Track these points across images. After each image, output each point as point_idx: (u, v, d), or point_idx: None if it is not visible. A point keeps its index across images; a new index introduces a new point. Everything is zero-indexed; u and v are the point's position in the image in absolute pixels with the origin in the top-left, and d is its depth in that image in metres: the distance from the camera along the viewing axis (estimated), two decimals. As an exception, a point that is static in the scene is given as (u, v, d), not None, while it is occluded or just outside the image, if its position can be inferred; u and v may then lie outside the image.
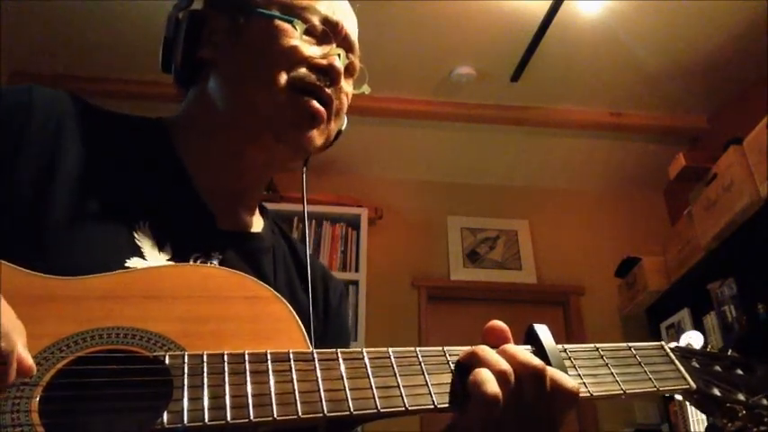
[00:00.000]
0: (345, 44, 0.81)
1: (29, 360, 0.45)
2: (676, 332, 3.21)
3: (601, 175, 4.05)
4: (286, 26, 0.76)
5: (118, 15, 2.92)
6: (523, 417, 0.56)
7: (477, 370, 0.56)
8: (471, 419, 0.56)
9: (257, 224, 0.85)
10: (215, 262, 0.73)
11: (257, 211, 0.87)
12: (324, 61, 0.76)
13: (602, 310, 3.69)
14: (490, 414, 0.54)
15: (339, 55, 0.78)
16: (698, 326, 3.03)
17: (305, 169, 0.87)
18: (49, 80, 3.22)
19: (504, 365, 0.56)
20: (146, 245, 0.67)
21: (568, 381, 0.58)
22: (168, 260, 0.69)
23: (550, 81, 3.36)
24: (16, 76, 3.25)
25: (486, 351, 0.58)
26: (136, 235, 0.67)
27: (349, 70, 0.82)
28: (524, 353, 0.59)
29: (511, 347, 0.59)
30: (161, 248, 0.69)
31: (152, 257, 0.67)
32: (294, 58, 0.75)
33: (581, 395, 0.61)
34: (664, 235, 3.54)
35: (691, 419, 2.97)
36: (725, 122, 3.43)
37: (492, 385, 0.54)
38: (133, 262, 0.65)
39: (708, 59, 3.14)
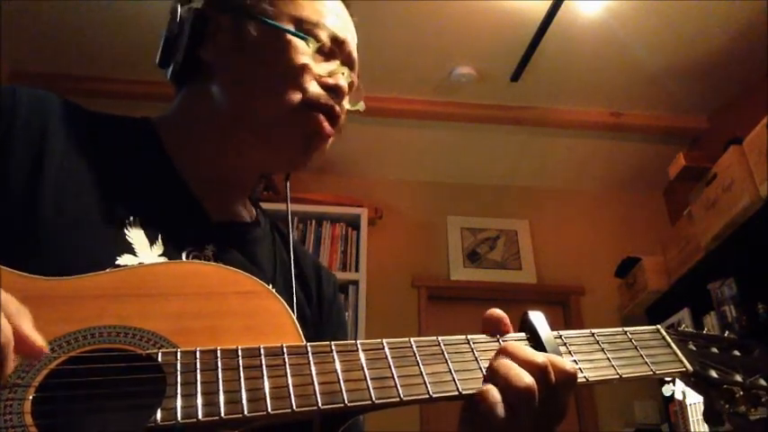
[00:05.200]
0: (348, 61, 0.82)
1: (39, 340, 0.45)
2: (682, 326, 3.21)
3: (601, 175, 4.04)
4: (298, 42, 0.76)
5: (117, 15, 2.92)
6: (535, 417, 0.56)
7: (490, 395, 0.55)
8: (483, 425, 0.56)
9: (250, 215, 0.86)
10: (208, 255, 0.73)
11: (248, 204, 0.87)
12: (331, 80, 0.77)
13: (602, 310, 3.69)
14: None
15: (344, 73, 0.79)
16: (698, 326, 3.02)
17: (288, 178, 0.88)
18: (49, 80, 3.23)
19: (528, 379, 0.56)
20: (137, 241, 0.67)
21: (566, 364, 0.58)
22: (160, 255, 0.69)
23: (550, 81, 3.35)
24: (16, 76, 3.25)
25: (511, 366, 0.57)
26: (126, 232, 0.67)
27: (349, 87, 0.83)
28: (523, 351, 0.58)
29: (513, 348, 0.59)
30: (152, 244, 0.69)
31: (143, 254, 0.67)
32: (306, 75, 0.75)
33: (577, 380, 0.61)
34: (664, 235, 3.54)
35: (691, 419, 2.97)
36: (725, 122, 3.43)
37: (499, 410, 0.54)
38: (124, 259, 0.64)
39: (708, 59, 3.14)
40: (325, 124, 0.76)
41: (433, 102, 3.51)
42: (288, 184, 0.88)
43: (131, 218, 0.69)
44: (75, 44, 3.13)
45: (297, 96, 0.74)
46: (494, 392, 0.55)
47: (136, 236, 0.68)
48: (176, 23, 0.79)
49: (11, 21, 2.88)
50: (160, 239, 0.70)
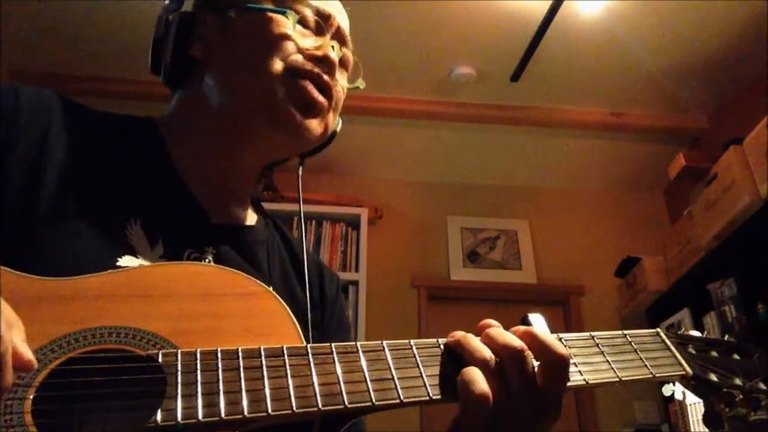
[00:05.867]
0: (338, 37, 0.82)
1: (28, 354, 0.45)
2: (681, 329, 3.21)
3: (601, 175, 4.04)
4: (278, 17, 0.76)
5: (118, 15, 2.92)
6: (517, 401, 0.56)
7: (465, 369, 0.56)
8: (469, 418, 0.55)
9: (251, 217, 0.85)
10: (209, 257, 0.73)
11: (250, 205, 0.87)
12: (318, 52, 0.77)
13: (602, 310, 3.69)
14: (482, 411, 0.54)
15: (333, 47, 0.78)
16: (698, 326, 3.02)
17: (300, 169, 0.87)
18: (50, 80, 3.23)
19: (486, 353, 0.57)
20: (138, 242, 0.67)
21: (559, 347, 0.58)
22: (161, 257, 0.68)
23: (550, 81, 3.35)
24: (16, 76, 3.25)
25: (469, 338, 0.59)
26: (127, 233, 0.67)
27: (343, 63, 0.83)
28: (504, 335, 0.59)
29: (492, 331, 0.59)
30: (153, 245, 0.68)
31: (144, 255, 0.67)
32: (288, 47, 0.75)
33: (576, 383, 0.61)
34: (664, 235, 3.54)
35: (691, 419, 2.97)
36: (725, 122, 3.43)
37: (478, 385, 0.54)
38: (125, 260, 0.64)
39: (708, 59, 3.14)
40: (314, 91, 0.75)
41: (433, 102, 3.51)
42: (300, 170, 0.87)
43: (132, 219, 0.68)
44: (76, 44, 3.13)
45: (279, 66, 0.74)
46: (472, 372, 0.56)
47: (137, 237, 0.68)
48: (163, 28, 0.80)
49: (11, 21, 2.88)
50: (161, 241, 0.69)
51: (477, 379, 0.55)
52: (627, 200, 4.11)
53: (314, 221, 3.54)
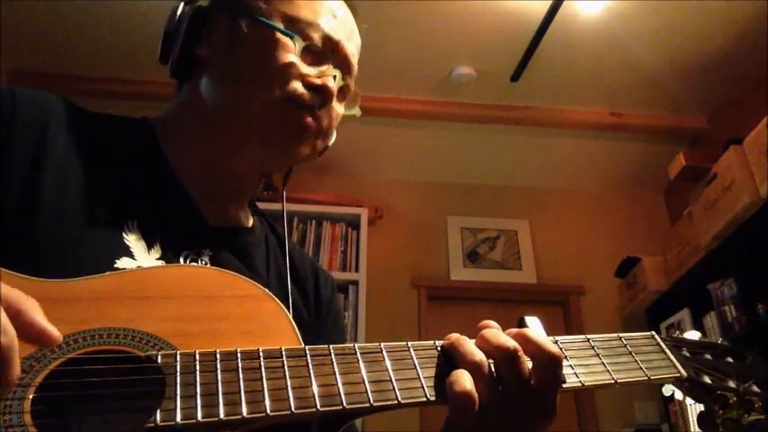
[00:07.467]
0: (344, 65, 0.81)
1: (54, 331, 0.46)
2: (676, 332, 3.21)
3: (601, 175, 4.04)
4: (286, 40, 0.76)
5: (118, 15, 2.93)
6: (511, 401, 0.56)
7: (453, 371, 0.56)
8: (455, 417, 0.56)
9: (247, 219, 0.86)
10: (205, 259, 0.74)
11: (246, 207, 0.87)
12: (318, 81, 0.76)
13: (602, 310, 3.69)
14: (466, 411, 0.54)
15: (335, 76, 0.78)
16: (698, 326, 3.03)
17: (288, 172, 0.88)
18: (49, 80, 3.23)
19: (478, 356, 0.57)
20: (135, 244, 0.67)
21: (551, 346, 0.58)
22: (158, 259, 0.69)
23: (550, 81, 3.35)
24: (16, 75, 3.25)
25: (462, 341, 0.59)
26: (125, 235, 0.67)
27: (343, 92, 0.82)
28: (499, 336, 0.59)
29: (487, 332, 0.60)
30: (150, 248, 0.69)
31: (141, 257, 0.67)
32: (289, 74, 0.75)
33: (573, 385, 0.61)
34: (664, 235, 3.54)
35: (691, 419, 2.97)
36: (725, 122, 3.43)
37: (460, 385, 0.54)
38: (123, 262, 0.65)
39: (708, 59, 3.14)
40: (307, 119, 0.75)
41: (433, 102, 3.51)
42: (285, 182, 0.88)
43: (130, 221, 0.69)
44: (76, 44, 3.13)
45: (277, 91, 0.74)
46: (457, 373, 0.56)
47: (134, 239, 0.68)
48: (175, 21, 0.80)
49: (11, 21, 2.89)
50: (158, 243, 0.70)
51: (460, 379, 0.55)
52: (627, 200, 4.11)
53: (314, 221, 3.54)
